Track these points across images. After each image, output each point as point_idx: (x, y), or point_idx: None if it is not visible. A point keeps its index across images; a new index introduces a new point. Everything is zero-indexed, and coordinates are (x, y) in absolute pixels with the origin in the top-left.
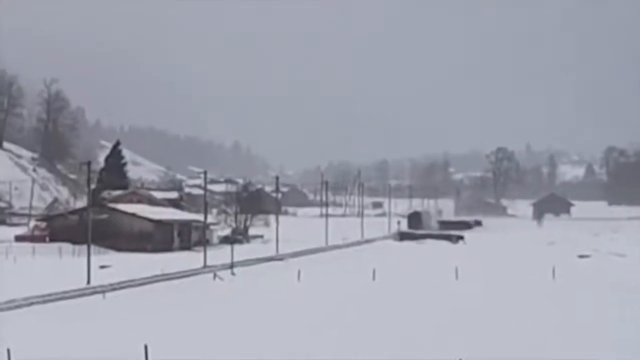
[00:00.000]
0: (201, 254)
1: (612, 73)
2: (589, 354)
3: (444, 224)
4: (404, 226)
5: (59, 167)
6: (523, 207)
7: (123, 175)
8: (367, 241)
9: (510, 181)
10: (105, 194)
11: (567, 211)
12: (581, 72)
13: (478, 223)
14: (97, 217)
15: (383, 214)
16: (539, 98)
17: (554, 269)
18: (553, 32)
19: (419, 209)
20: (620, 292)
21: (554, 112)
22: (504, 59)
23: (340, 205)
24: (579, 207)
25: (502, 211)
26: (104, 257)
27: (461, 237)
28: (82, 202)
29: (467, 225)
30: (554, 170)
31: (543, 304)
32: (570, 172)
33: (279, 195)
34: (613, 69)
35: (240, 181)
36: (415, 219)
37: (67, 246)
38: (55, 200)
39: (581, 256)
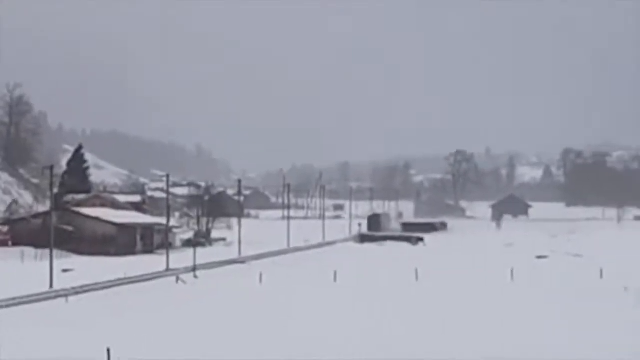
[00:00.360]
0: (164, 257)
1: (570, 75)
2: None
3: (408, 226)
4: (365, 228)
5: (22, 171)
6: (482, 209)
7: (85, 179)
8: (329, 243)
9: (469, 183)
10: (68, 198)
11: (525, 213)
12: (539, 75)
13: (443, 225)
14: (62, 226)
15: (338, 217)
16: (498, 101)
17: (512, 270)
18: (513, 35)
19: (379, 211)
20: (574, 294)
21: (513, 115)
22: (464, 63)
23: (302, 207)
24: (537, 209)
25: (461, 213)
26: (66, 260)
27: (421, 239)
28: (44, 206)
29: (432, 227)
30: (512, 172)
31: (501, 304)
32: (528, 174)
33: (242, 199)
34: (571, 72)
35: (203, 184)
36: (374, 221)
37: (29, 250)
38: (14, 202)
39: (539, 257)
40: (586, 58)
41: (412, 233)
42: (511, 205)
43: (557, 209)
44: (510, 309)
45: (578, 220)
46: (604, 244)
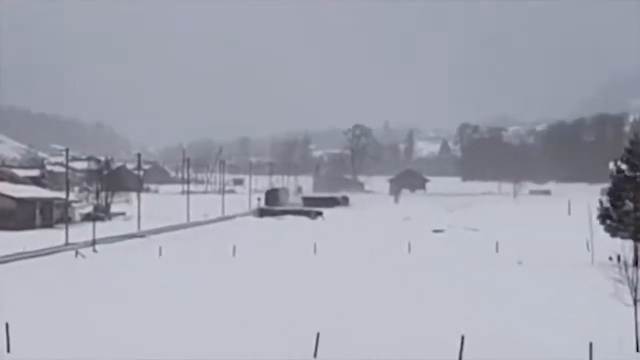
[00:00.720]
0: (63, 232)
1: (466, 51)
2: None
3: (310, 200)
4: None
5: None
6: (380, 183)
7: None
8: (228, 218)
9: (367, 157)
10: None
11: (423, 187)
12: (438, 51)
13: (345, 199)
14: None
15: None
16: (397, 77)
17: (410, 244)
18: (413, 10)
19: (278, 185)
20: (470, 267)
21: (411, 90)
22: (363, 38)
23: (201, 182)
24: (435, 183)
25: (359, 187)
26: None
27: (320, 213)
28: None
29: (334, 201)
30: (410, 146)
31: (397, 276)
32: (426, 149)
33: (141, 173)
34: (467, 48)
35: (102, 159)
36: (272, 195)
37: None
38: None
39: (436, 231)
40: (483, 34)
41: (314, 207)
42: (409, 179)
43: (454, 183)
44: (406, 281)
45: (474, 195)
46: (499, 218)
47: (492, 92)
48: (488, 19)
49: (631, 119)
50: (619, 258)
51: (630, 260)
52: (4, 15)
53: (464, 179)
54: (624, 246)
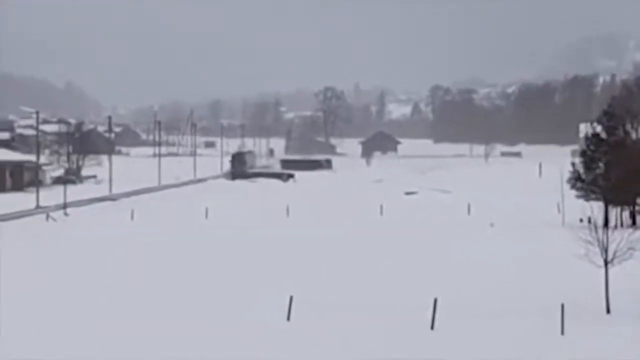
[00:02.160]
0: (34, 195)
1: (437, 13)
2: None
3: (289, 163)
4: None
5: None
6: (352, 146)
7: None
8: (200, 180)
9: (339, 120)
10: None
11: (395, 149)
12: (408, 12)
13: (328, 162)
14: None
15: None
16: (366, 38)
17: (382, 206)
18: None
19: (250, 148)
20: (444, 228)
21: (382, 51)
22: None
23: (173, 145)
24: (406, 145)
25: (331, 150)
26: None
27: (291, 176)
28: None
29: (317, 165)
30: (382, 109)
31: (370, 238)
32: (397, 111)
33: (112, 136)
34: (438, 9)
35: (73, 121)
36: (239, 159)
37: None
38: None
39: (408, 193)
40: None
41: (293, 171)
42: (381, 142)
43: (425, 145)
44: (378, 244)
45: (446, 157)
46: (471, 181)
47: (463, 53)
48: None
49: (601, 80)
50: (589, 220)
51: (601, 222)
52: None
53: (436, 141)
54: (594, 208)
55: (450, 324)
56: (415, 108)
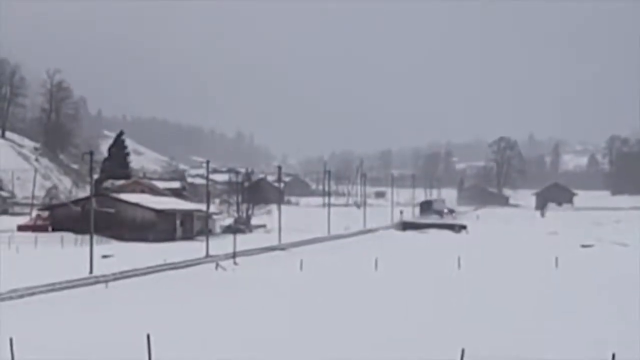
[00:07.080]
0: (203, 244)
1: (615, 61)
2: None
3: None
4: (408, 215)
5: (61, 156)
6: (526, 197)
7: (126, 164)
8: (370, 231)
9: (512, 170)
10: (107, 183)
11: (570, 201)
12: (585, 62)
13: (462, 227)
14: (103, 209)
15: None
16: (542, 87)
17: (557, 259)
18: (555, 21)
19: (430, 198)
20: (619, 284)
21: (557, 101)
22: (507, 48)
23: (342, 194)
24: (582, 197)
25: (504, 201)
26: (106, 246)
27: (464, 227)
28: (84, 192)
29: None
30: (557, 159)
31: (545, 292)
32: (573, 162)
33: (282, 185)
34: (616, 58)
35: (243, 171)
36: (426, 207)
37: (69, 236)
38: (54, 187)
39: (584, 246)
40: (630, 44)
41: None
42: (556, 193)
43: (602, 197)
44: (555, 296)
45: (623, 209)
46: None
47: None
48: (629, 20)
49: None
50: None
51: None
52: (146, 31)
53: (613, 193)
54: None
55: None
56: (592, 159)
